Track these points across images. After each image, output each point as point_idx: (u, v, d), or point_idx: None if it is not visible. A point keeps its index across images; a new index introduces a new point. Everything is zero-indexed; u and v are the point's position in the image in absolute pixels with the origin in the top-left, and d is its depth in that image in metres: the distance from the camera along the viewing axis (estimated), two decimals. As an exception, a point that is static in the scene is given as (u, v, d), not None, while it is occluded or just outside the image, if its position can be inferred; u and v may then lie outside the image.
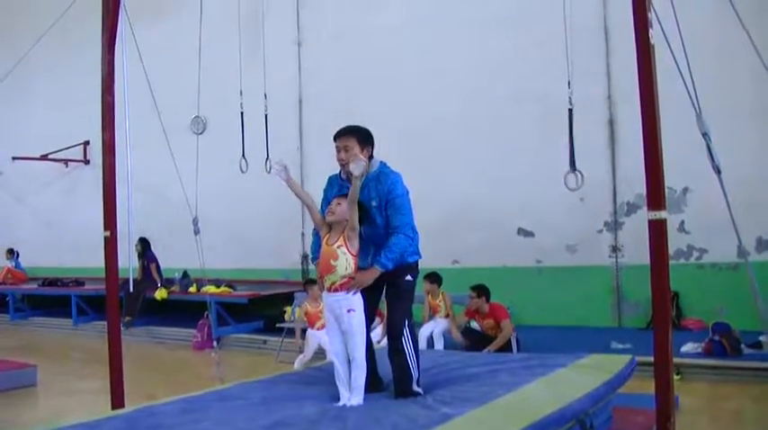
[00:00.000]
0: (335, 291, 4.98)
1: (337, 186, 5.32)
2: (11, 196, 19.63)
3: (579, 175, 8.33)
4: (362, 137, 5.21)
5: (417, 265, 5.36)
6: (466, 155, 12.16)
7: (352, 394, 4.93)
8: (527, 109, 11.55)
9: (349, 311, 4.96)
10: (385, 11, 13.20)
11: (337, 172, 5.39)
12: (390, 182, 5.16)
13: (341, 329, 5.02)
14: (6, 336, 14.51)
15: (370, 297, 5.21)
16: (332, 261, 4.97)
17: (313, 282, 9.90)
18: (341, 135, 5.22)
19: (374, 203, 5.14)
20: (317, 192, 5.47)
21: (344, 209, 4.97)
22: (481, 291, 9.52)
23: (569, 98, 8.52)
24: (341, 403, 4.88)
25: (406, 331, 5.07)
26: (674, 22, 4.52)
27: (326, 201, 5.23)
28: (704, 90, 4.32)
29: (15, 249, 18.29)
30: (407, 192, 5.22)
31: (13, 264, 18.06)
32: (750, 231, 10.02)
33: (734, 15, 4.54)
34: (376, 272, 5.05)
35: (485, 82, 12.07)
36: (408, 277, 5.22)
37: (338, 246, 4.98)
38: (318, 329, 9.63)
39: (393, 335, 5.12)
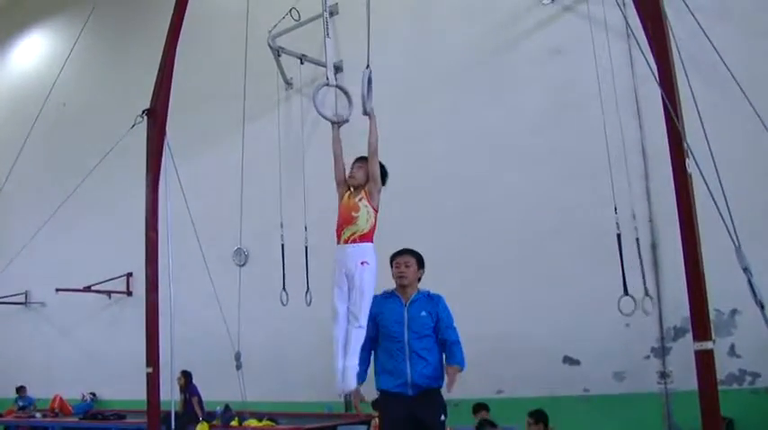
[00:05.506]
0: (353, 241, 4.92)
1: (382, 300, 5.65)
2: (54, 328, 19.76)
3: (632, 299, 8.25)
4: (420, 260, 5.76)
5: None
6: (508, 283, 12.06)
7: (347, 358, 5.21)
8: (568, 236, 11.50)
9: (363, 263, 4.89)
10: (426, 142, 13.29)
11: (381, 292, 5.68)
12: (443, 304, 5.68)
13: (349, 286, 4.95)
14: (45, 472, 14.34)
15: None
16: (353, 212, 5.00)
17: None
18: (403, 254, 5.74)
19: (423, 313, 5.54)
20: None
21: (363, 174, 5.10)
22: (539, 417, 9.08)
23: (617, 223, 8.53)
24: (338, 371, 5.23)
25: None
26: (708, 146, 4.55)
27: (372, 321, 5.39)
28: (746, 213, 4.27)
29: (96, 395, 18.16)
30: None
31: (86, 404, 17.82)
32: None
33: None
34: (458, 370, 5.31)
35: (528, 212, 12.08)
36: (443, 417, 5.54)
37: (359, 199, 5.00)
38: None
39: None
